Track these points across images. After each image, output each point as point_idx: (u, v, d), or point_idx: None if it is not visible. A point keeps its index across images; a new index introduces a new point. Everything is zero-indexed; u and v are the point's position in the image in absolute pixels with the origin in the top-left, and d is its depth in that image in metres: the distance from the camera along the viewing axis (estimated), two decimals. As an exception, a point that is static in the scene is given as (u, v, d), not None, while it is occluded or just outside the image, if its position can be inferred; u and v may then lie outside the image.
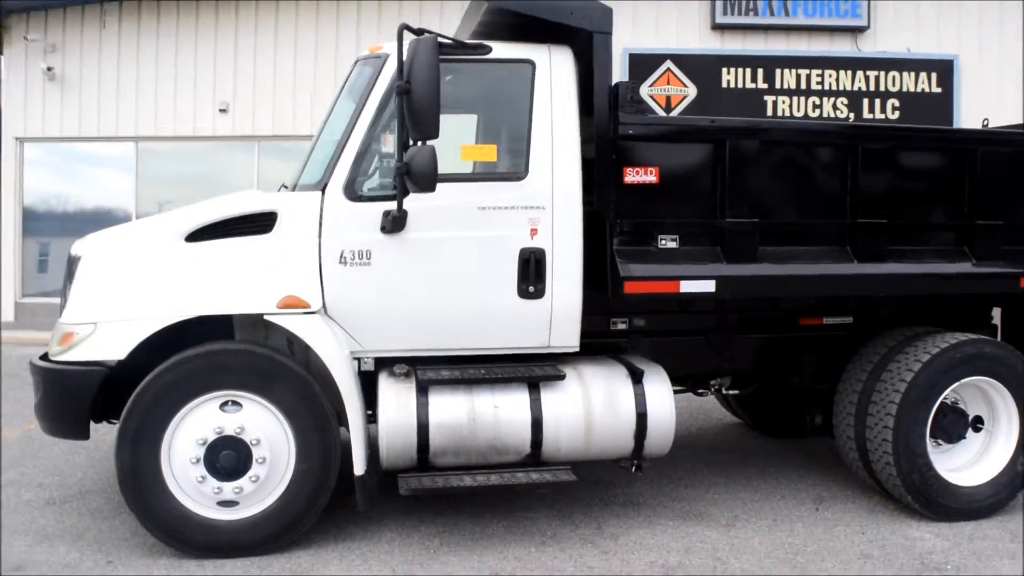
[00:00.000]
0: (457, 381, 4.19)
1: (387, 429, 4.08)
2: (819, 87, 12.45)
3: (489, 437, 4.16)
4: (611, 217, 4.26)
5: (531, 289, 4.23)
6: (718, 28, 12.72)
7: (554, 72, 4.29)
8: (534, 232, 4.22)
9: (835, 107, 12.50)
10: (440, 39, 4.12)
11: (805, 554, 4.22)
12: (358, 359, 4.25)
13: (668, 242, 4.32)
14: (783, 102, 12.47)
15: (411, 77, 3.73)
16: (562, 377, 4.27)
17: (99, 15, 12.80)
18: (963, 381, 4.72)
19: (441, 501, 4.84)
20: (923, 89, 12.39)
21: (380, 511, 4.67)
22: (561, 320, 4.31)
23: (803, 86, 12.41)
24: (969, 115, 12.02)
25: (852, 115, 12.39)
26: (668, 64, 12.52)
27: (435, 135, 3.76)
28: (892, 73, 12.40)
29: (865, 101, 12.44)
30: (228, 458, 3.96)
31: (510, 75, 4.32)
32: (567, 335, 4.35)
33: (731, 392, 5.63)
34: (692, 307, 4.87)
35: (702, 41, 12.74)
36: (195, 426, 3.97)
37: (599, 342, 4.80)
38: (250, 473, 4.00)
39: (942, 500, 4.64)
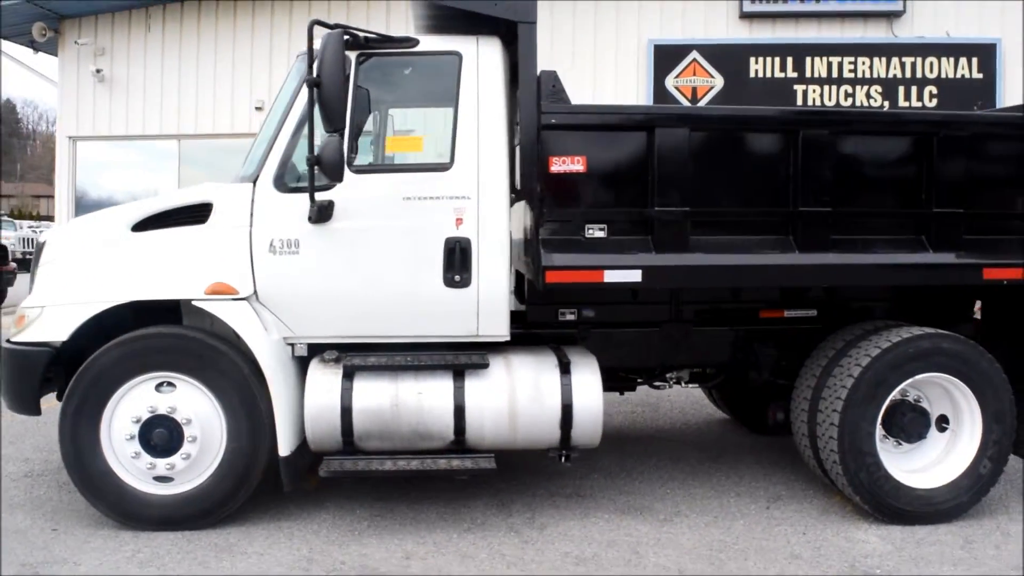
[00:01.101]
0: (383, 367, 4.27)
1: (311, 413, 4.20)
2: (851, 75, 11.97)
3: (412, 423, 4.23)
4: (536, 207, 4.26)
5: (457, 278, 4.27)
6: (746, 16, 12.39)
7: (481, 64, 4.31)
8: (459, 222, 4.26)
9: (868, 95, 12.00)
10: (366, 35, 4.23)
11: (730, 552, 4.12)
12: (292, 345, 4.39)
13: (596, 231, 4.28)
14: (814, 91, 12.05)
15: (320, 71, 3.83)
16: (486, 365, 4.29)
17: (144, 19, 13.47)
18: (919, 378, 4.50)
19: (386, 486, 4.94)
20: (963, 75, 11.76)
21: (324, 493, 4.82)
22: (488, 309, 4.33)
23: (835, 74, 11.96)
24: (1013, 101, 11.33)
25: (886, 103, 11.87)
26: (694, 55, 12.28)
27: (342, 126, 3.85)
28: (930, 59, 11.83)
29: (901, 88, 11.90)
30: (160, 436, 4.16)
31: (438, 68, 4.36)
32: (495, 324, 4.37)
33: (691, 385, 5.52)
34: (642, 298, 4.81)
35: (730, 30, 12.44)
36: (131, 405, 4.18)
37: (548, 332, 4.81)
38: (182, 451, 4.18)
39: (893, 502, 4.45)
